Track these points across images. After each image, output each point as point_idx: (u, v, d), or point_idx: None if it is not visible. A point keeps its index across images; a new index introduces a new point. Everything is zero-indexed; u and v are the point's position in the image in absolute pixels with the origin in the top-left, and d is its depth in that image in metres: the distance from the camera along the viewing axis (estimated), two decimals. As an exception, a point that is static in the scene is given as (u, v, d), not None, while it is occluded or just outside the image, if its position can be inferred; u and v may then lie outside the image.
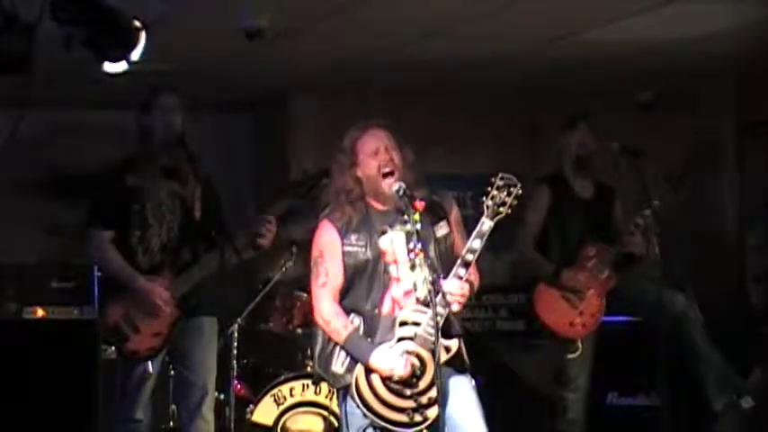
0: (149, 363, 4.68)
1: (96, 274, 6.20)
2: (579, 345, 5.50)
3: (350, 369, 3.98)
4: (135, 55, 3.72)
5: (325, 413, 5.60)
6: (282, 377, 5.65)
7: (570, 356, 5.52)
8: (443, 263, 3.90)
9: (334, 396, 5.53)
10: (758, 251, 6.99)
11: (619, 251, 5.50)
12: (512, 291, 6.84)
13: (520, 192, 3.91)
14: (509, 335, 6.81)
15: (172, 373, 5.03)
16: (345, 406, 4.04)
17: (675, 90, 7.60)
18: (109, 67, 3.81)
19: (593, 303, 5.50)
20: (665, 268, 5.39)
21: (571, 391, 5.55)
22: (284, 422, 5.60)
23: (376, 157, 3.98)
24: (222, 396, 5.49)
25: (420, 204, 3.91)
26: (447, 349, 3.91)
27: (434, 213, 4.02)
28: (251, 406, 5.63)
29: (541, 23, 5.79)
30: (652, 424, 5.77)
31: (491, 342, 6.80)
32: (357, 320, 4.00)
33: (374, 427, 3.98)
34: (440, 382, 3.81)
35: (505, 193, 3.90)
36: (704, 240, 7.46)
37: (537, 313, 5.59)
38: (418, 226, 3.87)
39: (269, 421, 5.59)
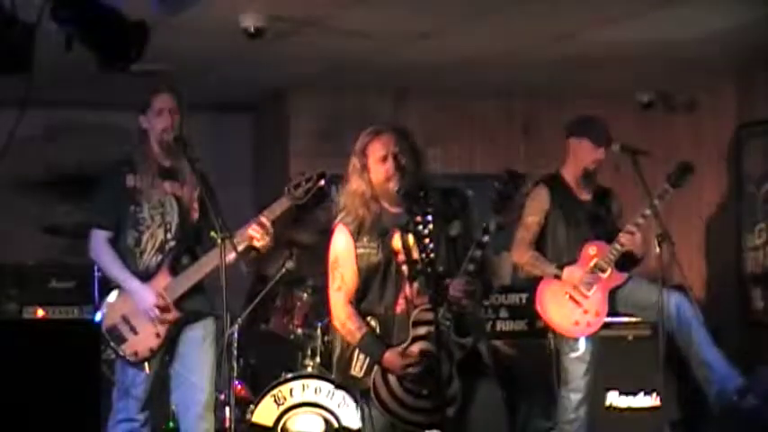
0: (146, 363, 4.67)
1: (96, 274, 6.20)
2: (580, 344, 5.50)
3: (369, 372, 4.00)
4: (135, 55, 3.71)
5: (326, 413, 5.60)
6: (282, 377, 5.65)
7: (572, 356, 5.52)
8: (458, 262, 3.91)
9: (334, 396, 5.55)
10: (758, 251, 6.99)
11: (619, 251, 5.50)
12: (512, 291, 6.83)
13: (525, 185, 3.93)
14: (509, 335, 6.81)
15: (171, 373, 5.02)
16: (367, 409, 4.05)
17: (675, 90, 7.60)
18: (109, 67, 3.81)
19: (597, 302, 5.50)
20: (665, 268, 5.39)
21: (572, 390, 5.55)
22: (284, 422, 5.60)
23: (383, 164, 4.01)
24: (222, 396, 5.49)
25: (429, 203, 3.92)
26: (462, 347, 3.91)
27: (448, 213, 4.03)
28: (251, 406, 5.63)
29: (541, 23, 5.79)
30: (652, 424, 5.77)
31: (491, 342, 6.79)
32: (374, 322, 4.03)
33: (394, 428, 4.00)
34: (445, 379, 3.84)
35: (512, 187, 3.92)
36: (704, 240, 7.46)
37: (540, 312, 5.59)
38: (429, 226, 3.88)
39: (269, 422, 5.59)
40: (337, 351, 4.15)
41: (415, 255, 3.93)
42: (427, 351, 3.91)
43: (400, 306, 4.00)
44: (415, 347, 3.93)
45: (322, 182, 4.63)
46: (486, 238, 3.90)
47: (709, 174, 7.25)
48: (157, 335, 4.67)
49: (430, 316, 3.91)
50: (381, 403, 3.96)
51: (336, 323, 4.10)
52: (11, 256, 6.90)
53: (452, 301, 3.85)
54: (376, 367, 3.99)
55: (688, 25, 5.80)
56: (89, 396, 4.54)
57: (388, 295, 4.01)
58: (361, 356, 4.04)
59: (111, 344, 4.67)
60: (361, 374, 4.03)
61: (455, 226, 4.03)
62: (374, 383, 3.98)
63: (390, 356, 3.94)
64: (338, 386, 4.57)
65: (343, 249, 4.09)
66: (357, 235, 4.04)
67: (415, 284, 3.98)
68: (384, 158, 4.01)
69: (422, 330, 3.94)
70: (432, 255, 3.79)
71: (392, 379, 3.97)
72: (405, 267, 4.00)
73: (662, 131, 7.60)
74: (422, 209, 3.88)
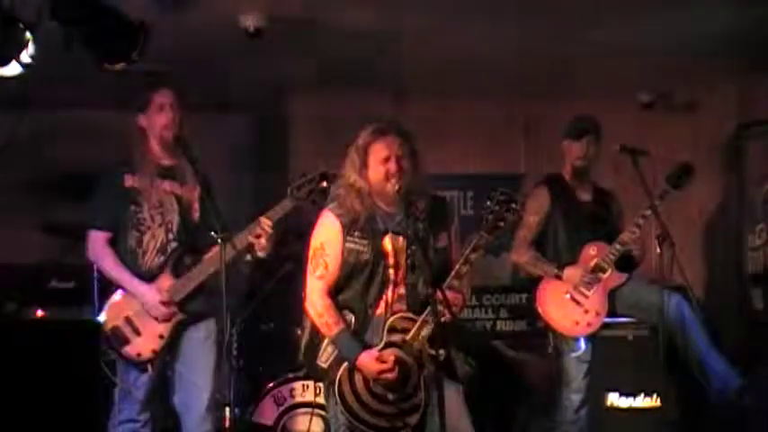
0: (149, 365, 4.67)
1: (96, 274, 6.19)
2: (580, 344, 5.51)
3: (336, 365, 3.99)
4: (135, 55, 3.72)
5: (326, 414, 5.60)
6: (282, 377, 5.64)
7: (572, 356, 5.52)
8: (439, 273, 3.91)
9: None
10: (758, 251, 6.99)
11: (619, 251, 5.50)
12: (512, 291, 6.84)
13: (518, 208, 3.94)
14: (509, 335, 6.81)
15: (173, 373, 5.02)
16: (333, 401, 4.06)
17: (675, 90, 7.60)
18: (109, 67, 3.81)
19: (597, 302, 5.50)
20: (665, 268, 5.39)
21: (572, 391, 5.55)
22: (284, 423, 5.60)
23: (385, 165, 4.01)
24: (222, 396, 5.48)
25: (421, 208, 3.93)
26: (435, 358, 3.90)
27: (438, 224, 4.04)
28: (251, 406, 5.63)
29: (541, 23, 5.79)
30: (652, 424, 5.77)
31: (491, 342, 6.80)
32: (350, 317, 4.02)
33: (351, 430, 3.99)
34: (426, 390, 3.85)
35: (504, 208, 3.93)
36: (704, 240, 7.46)
37: (540, 311, 5.59)
38: (421, 231, 3.89)
39: (269, 421, 5.59)
40: (306, 336, 4.12)
41: (403, 259, 3.95)
42: (401, 359, 3.91)
43: (380, 308, 4.00)
44: (390, 354, 3.93)
45: (324, 182, 4.63)
46: (473, 256, 3.91)
47: (710, 174, 7.24)
48: (161, 336, 4.67)
49: (406, 324, 3.93)
50: (342, 400, 3.96)
51: (311, 311, 4.07)
52: (11, 256, 6.89)
53: (448, 308, 3.84)
54: (345, 364, 3.98)
55: (688, 25, 5.80)
56: (88, 396, 4.55)
57: (371, 295, 4.01)
58: (330, 348, 4.02)
59: (115, 345, 4.66)
60: (326, 365, 4.03)
61: (442, 238, 4.05)
62: (339, 379, 3.97)
63: (365, 360, 3.93)
64: (306, 375, 4.56)
65: (330, 237, 4.06)
66: (348, 229, 4.03)
67: (398, 288, 3.99)
68: (387, 159, 4.01)
69: (395, 337, 3.94)
70: (427, 258, 3.81)
71: (359, 379, 3.96)
72: (391, 270, 4.00)
73: (662, 131, 7.59)
74: (415, 211, 3.90)
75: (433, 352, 3.89)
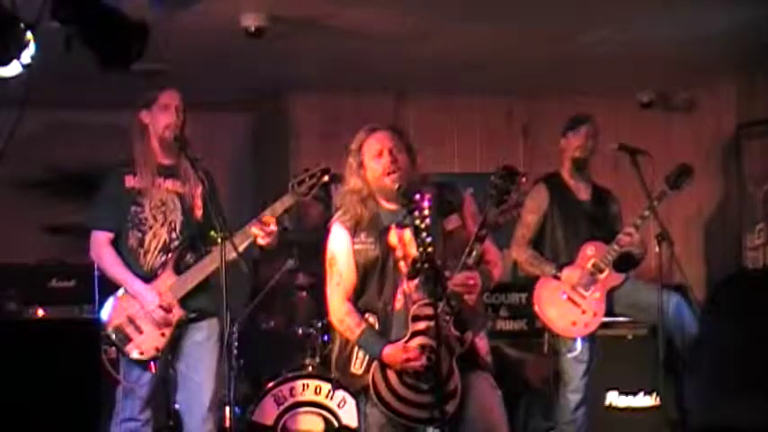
0: (152, 363, 4.68)
1: (96, 273, 6.19)
2: (578, 344, 5.51)
3: (368, 369, 4.01)
4: (135, 54, 3.71)
5: (326, 413, 5.60)
6: (282, 377, 5.65)
7: (570, 355, 5.52)
8: (456, 256, 3.93)
9: (334, 396, 5.55)
10: (758, 251, 6.99)
11: (617, 251, 5.50)
12: (512, 291, 6.84)
13: (524, 180, 3.95)
14: (509, 335, 6.81)
15: (175, 372, 5.02)
16: (364, 407, 4.06)
17: (675, 90, 7.61)
18: (109, 66, 3.81)
19: (594, 303, 5.50)
20: (665, 268, 5.39)
21: (570, 390, 5.55)
22: (284, 422, 5.60)
23: (380, 160, 4.03)
24: (222, 396, 5.48)
25: (426, 199, 3.93)
26: (461, 341, 3.92)
27: (444, 208, 4.05)
28: (251, 406, 5.63)
29: (541, 23, 5.79)
30: (652, 424, 5.77)
31: (491, 342, 6.79)
32: (372, 319, 4.04)
33: (393, 426, 4.00)
34: (445, 374, 3.85)
35: (509, 181, 3.94)
36: (704, 240, 7.46)
37: (538, 311, 5.60)
38: (426, 221, 3.88)
39: (269, 421, 5.59)
40: (336, 349, 4.16)
41: (413, 250, 3.94)
42: (427, 345, 3.92)
43: (399, 302, 4.01)
44: (415, 342, 3.94)
45: (326, 177, 4.64)
46: (483, 231, 3.92)
47: (709, 174, 7.25)
48: (163, 334, 4.67)
49: (429, 311, 3.92)
50: (381, 399, 3.97)
51: (334, 320, 4.11)
52: (11, 256, 6.90)
53: (455, 295, 3.86)
54: (375, 363, 3.99)
55: (688, 25, 5.80)
56: (89, 396, 4.55)
57: (387, 291, 4.02)
58: (361, 354, 4.05)
59: (117, 344, 4.66)
60: (360, 371, 4.04)
61: (452, 220, 4.06)
62: (373, 379, 3.98)
63: (390, 351, 3.95)
64: (337, 385, 4.58)
65: (340, 246, 4.11)
66: (354, 232, 4.06)
67: (413, 280, 3.99)
68: (380, 153, 4.03)
69: (421, 325, 3.95)
70: (430, 249, 3.80)
71: (391, 374, 3.98)
72: (402, 263, 4.01)
73: (661, 131, 7.60)
74: (419, 205, 3.89)
75: (459, 335, 3.91)
